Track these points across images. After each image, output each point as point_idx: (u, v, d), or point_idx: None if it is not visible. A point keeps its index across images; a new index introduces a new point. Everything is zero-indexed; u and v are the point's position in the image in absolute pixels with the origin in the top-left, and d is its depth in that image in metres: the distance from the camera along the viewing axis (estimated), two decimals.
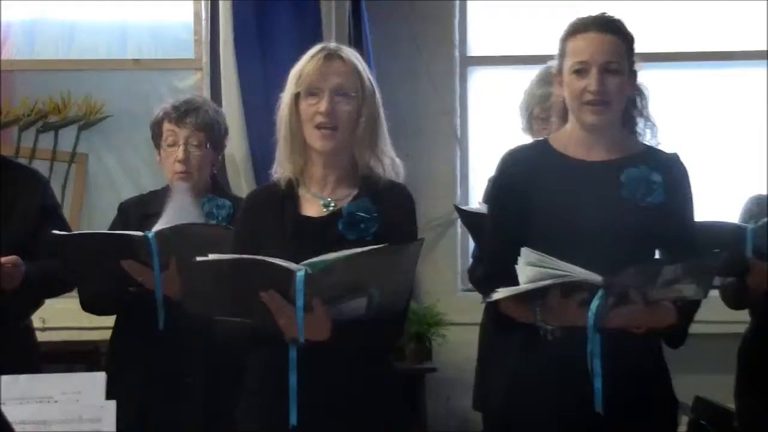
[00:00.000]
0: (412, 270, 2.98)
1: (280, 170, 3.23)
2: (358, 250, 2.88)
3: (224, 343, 3.19)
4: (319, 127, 3.11)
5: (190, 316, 3.21)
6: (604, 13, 3.24)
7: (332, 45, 3.24)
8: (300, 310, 2.85)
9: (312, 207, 3.19)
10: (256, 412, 3.14)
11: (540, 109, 4.09)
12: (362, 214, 3.11)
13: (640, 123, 3.26)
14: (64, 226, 3.97)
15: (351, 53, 3.21)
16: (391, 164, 3.23)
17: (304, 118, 3.14)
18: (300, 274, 2.81)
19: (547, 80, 4.06)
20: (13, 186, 3.91)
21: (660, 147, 3.26)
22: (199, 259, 2.86)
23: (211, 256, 2.87)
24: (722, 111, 6.09)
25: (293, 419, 2.99)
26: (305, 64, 3.17)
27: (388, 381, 3.21)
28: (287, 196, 3.20)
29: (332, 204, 3.17)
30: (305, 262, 2.84)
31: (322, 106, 3.10)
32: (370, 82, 3.21)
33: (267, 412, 3.09)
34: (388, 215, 3.13)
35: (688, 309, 3.11)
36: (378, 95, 3.23)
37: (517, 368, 3.23)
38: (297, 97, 3.15)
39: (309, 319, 2.87)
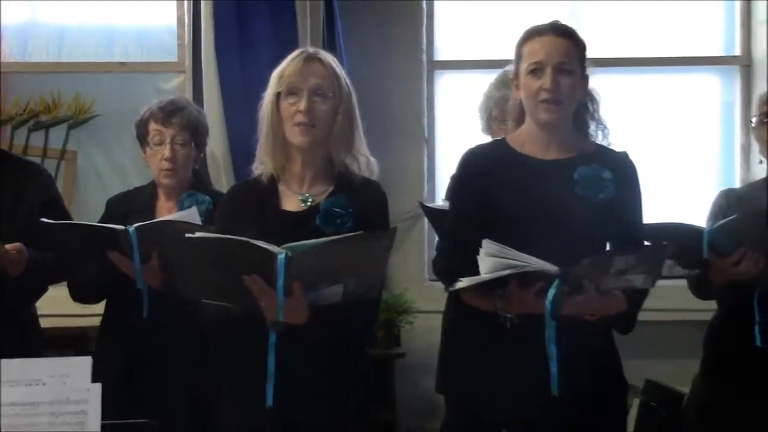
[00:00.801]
0: (384, 259, 3.00)
1: (261, 167, 3.25)
2: (336, 237, 2.92)
3: (208, 326, 3.21)
4: (298, 124, 3.13)
5: (175, 304, 3.23)
6: (558, 20, 3.27)
7: (311, 49, 3.28)
8: (280, 290, 2.86)
9: (291, 202, 3.21)
10: (236, 395, 3.17)
11: (498, 110, 4.11)
12: (338, 210, 3.14)
13: (592, 126, 3.29)
14: (66, 218, 3.97)
15: (329, 57, 3.25)
16: (366, 163, 3.26)
17: (284, 116, 3.17)
18: (281, 256, 2.84)
19: (504, 83, 4.08)
20: (20, 180, 3.90)
21: (611, 147, 3.29)
22: (187, 235, 2.89)
23: (198, 234, 2.91)
24: (674, 114, 6.12)
25: (269, 400, 3.01)
26: (286, 65, 3.20)
27: (361, 365, 3.24)
28: (267, 191, 3.22)
29: (310, 199, 3.20)
30: (285, 245, 2.87)
31: (302, 104, 3.13)
32: (347, 84, 3.24)
33: (246, 395, 3.11)
34: (362, 211, 3.16)
35: (637, 297, 3.14)
36: (354, 98, 3.26)
37: (478, 353, 3.24)
38: (278, 97, 3.18)
39: (288, 303, 2.89)
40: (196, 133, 4.00)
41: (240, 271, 2.88)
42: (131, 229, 3.58)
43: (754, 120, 3.95)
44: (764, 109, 3.90)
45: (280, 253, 2.84)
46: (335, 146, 3.21)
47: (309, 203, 3.19)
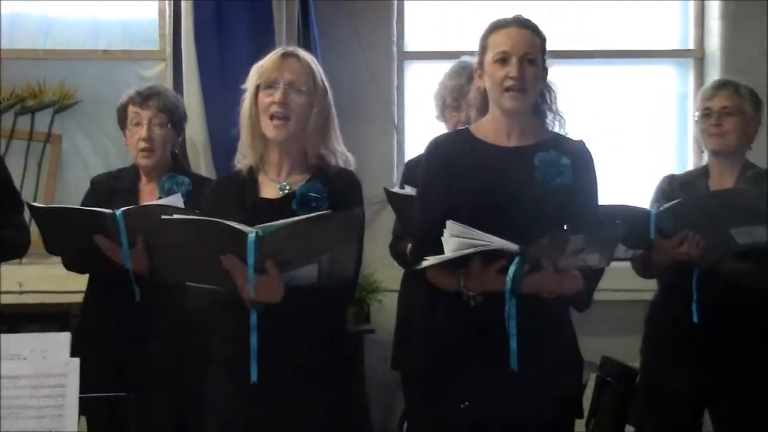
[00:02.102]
0: (356, 240, 3.02)
1: (243, 160, 3.26)
2: (305, 216, 2.93)
3: (194, 308, 3.20)
4: (272, 117, 3.15)
5: (158, 286, 3.21)
6: (521, 15, 3.27)
7: (290, 48, 3.31)
8: (250, 267, 2.88)
9: (269, 190, 3.22)
10: (221, 371, 3.18)
11: (451, 98, 4.14)
12: (313, 194, 3.15)
13: (550, 116, 3.29)
14: (16, 197, 3.96)
15: (306, 55, 3.27)
16: (344, 159, 3.28)
17: (260, 108, 3.18)
18: (251, 235, 2.85)
19: (458, 73, 4.10)
20: None
21: (568, 135, 3.29)
22: (163, 217, 2.92)
23: (176, 216, 2.94)
24: (633, 104, 6.15)
25: (254, 376, 3.02)
26: (265, 60, 3.23)
27: (338, 341, 3.23)
28: (248, 181, 3.24)
29: (287, 187, 3.20)
30: (257, 226, 2.88)
31: (277, 96, 3.15)
32: (323, 81, 3.26)
33: (231, 371, 3.12)
34: (337, 196, 3.17)
35: (593, 276, 3.14)
36: (330, 95, 3.27)
37: (442, 330, 3.23)
38: (257, 91, 3.19)
39: (263, 281, 2.90)
40: (173, 115, 4.01)
41: (216, 251, 2.89)
42: (119, 212, 3.56)
43: (696, 115, 3.99)
44: (705, 104, 3.95)
45: (251, 232, 2.85)
46: (310, 140, 3.22)
47: (286, 190, 3.20)
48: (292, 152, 3.22)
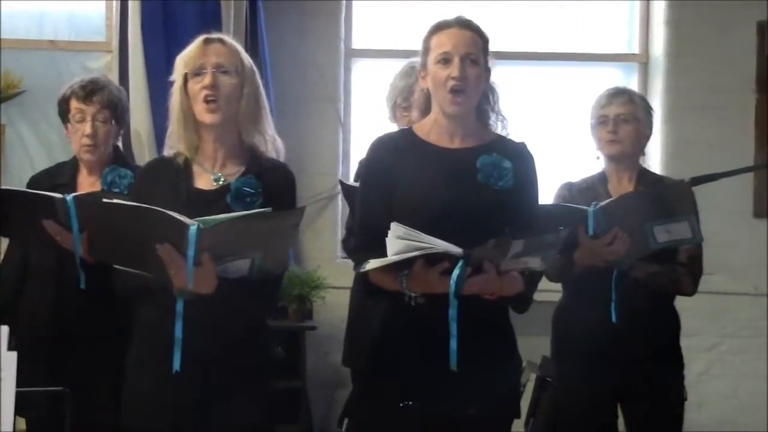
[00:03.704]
0: (291, 237, 3.02)
1: (171, 151, 3.26)
2: (247, 212, 2.94)
3: (121, 294, 3.18)
4: (206, 100, 3.14)
5: (102, 275, 3.18)
6: (462, 15, 3.27)
7: (212, 34, 3.29)
8: (190, 260, 2.86)
9: (203, 181, 3.21)
10: (143, 360, 3.17)
11: (401, 99, 4.14)
12: (248, 189, 3.15)
13: (492, 117, 3.29)
14: None
15: (230, 39, 3.28)
16: (272, 142, 3.28)
17: (191, 95, 3.17)
18: (193, 228, 2.84)
19: (408, 74, 4.10)
20: None
21: (510, 137, 3.29)
22: (104, 201, 2.91)
23: (115, 200, 2.93)
24: (578, 107, 6.17)
25: (176, 365, 3.01)
26: (189, 49, 3.23)
27: (262, 335, 3.26)
28: (181, 169, 3.22)
29: (222, 179, 3.20)
30: (198, 219, 2.87)
31: (206, 80, 3.15)
32: (249, 63, 3.26)
33: (153, 360, 3.11)
34: (271, 191, 3.17)
35: (533, 279, 3.15)
36: (258, 77, 3.27)
37: (383, 330, 3.23)
38: (185, 80, 3.18)
39: (198, 273, 2.89)
40: (116, 110, 3.97)
41: (152, 239, 2.87)
42: (69, 197, 3.52)
43: (592, 122, 4.02)
44: (601, 112, 3.99)
45: (192, 224, 2.84)
46: (243, 123, 3.22)
47: (221, 182, 3.20)
48: (227, 140, 3.22)
